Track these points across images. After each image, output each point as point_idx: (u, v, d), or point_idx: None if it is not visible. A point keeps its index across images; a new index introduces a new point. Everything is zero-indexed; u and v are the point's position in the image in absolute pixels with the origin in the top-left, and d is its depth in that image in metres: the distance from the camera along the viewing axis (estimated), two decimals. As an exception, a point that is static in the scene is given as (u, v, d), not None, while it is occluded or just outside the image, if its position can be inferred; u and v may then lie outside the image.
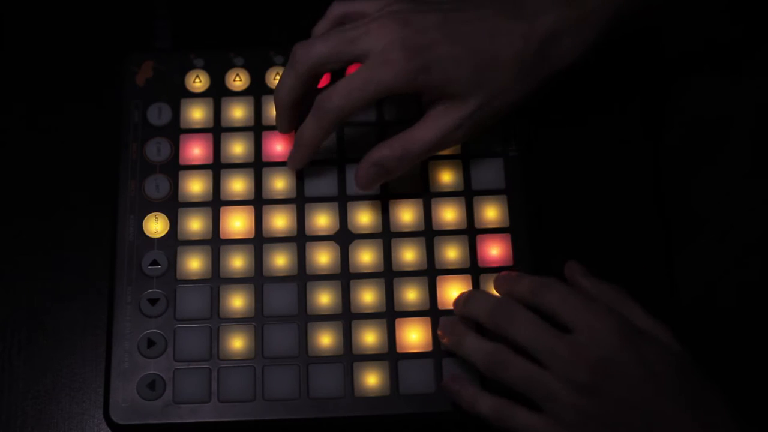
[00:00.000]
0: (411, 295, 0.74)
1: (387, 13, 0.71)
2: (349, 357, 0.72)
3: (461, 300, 0.72)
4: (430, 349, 0.72)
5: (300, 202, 0.76)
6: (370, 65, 0.70)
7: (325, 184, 0.76)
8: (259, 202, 0.76)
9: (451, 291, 0.73)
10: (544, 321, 0.67)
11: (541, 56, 0.71)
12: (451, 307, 0.73)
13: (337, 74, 0.75)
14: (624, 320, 0.67)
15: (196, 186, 0.76)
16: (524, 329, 0.67)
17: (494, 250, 0.75)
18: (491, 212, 0.75)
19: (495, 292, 0.73)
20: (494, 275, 0.73)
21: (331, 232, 0.75)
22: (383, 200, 0.76)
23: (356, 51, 0.71)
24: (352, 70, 0.73)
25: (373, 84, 0.70)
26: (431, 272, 0.74)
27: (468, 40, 0.71)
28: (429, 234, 0.75)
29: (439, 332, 0.72)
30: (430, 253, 0.75)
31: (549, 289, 0.68)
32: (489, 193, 0.76)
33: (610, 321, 0.66)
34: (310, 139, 0.73)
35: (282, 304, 0.73)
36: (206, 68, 0.79)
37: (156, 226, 0.75)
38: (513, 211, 0.75)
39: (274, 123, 0.76)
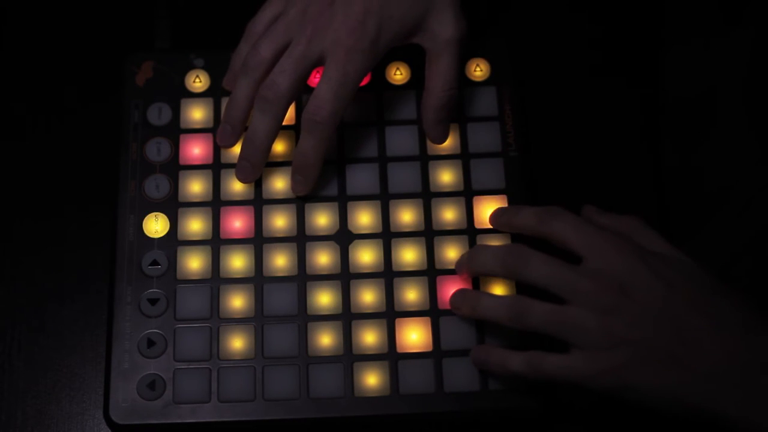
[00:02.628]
0: (411, 295, 0.74)
1: (305, 2, 0.73)
2: (349, 357, 0.72)
3: (464, 260, 0.72)
4: (430, 349, 0.72)
5: (300, 202, 0.76)
6: (336, 62, 0.71)
7: (325, 184, 0.76)
8: (259, 202, 0.76)
9: (451, 291, 0.73)
10: (556, 258, 0.67)
11: None
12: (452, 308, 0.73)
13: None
14: (634, 243, 0.67)
15: (196, 186, 0.76)
16: (541, 269, 0.67)
17: (494, 250, 0.75)
18: (491, 212, 0.75)
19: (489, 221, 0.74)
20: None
21: (331, 232, 0.75)
22: (383, 200, 0.76)
23: (314, 61, 0.72)
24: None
25: (351, 75, 0.71)
26: (431, 272, 0.74)
27: None
28: (429, 234, 0.75)
29: (452, 306, 0.72)
30: (430, 253, 0.74)
31: (557, 218, 0.69)
32: (489, 193, 0.76)
33: (621, 245, 0.67)
34: (316, 156, 0.73)
35: (282, 304, 0.73)
36: (206, 68, 0.79)
37: (156, 226, 0.75)
38: (513, 211, 0.75)
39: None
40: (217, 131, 0.76)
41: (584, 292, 0.65)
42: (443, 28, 0.74)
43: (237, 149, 0.76)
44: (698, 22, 0.80)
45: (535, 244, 0.70)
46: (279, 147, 0.77)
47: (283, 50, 0.73)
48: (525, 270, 0.67)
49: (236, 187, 0.76)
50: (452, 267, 0.74)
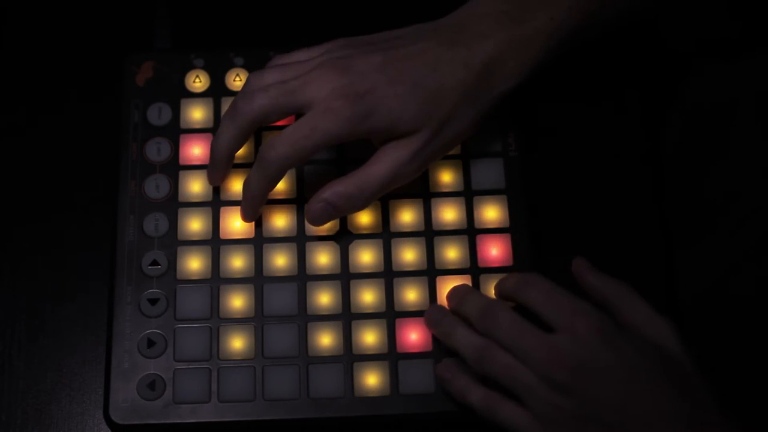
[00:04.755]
0: (411, 295, 0.74)
1: (327, 60, 0.71)
2: (349, 357, 0.72)
3: (457, 296, 0.72)
4: (430, 349, 0.72)
5: (300, 201, 0.76)
6: (313, 114, 0.69)
7: (326, 184, 0.76)
8: (259, 202, 0.76)
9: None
10: (526, 321, 0.67)
11: (485, 81, 0.71)
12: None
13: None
14: (607, 320, 0.67)
15: (196, 186, 0.76)
16: (506, 331, 0.67)
17: (494, 250, 0.75)
18: (491, 212, 0.75)
19: (493, 293, 0.73)
20: (494, 275, 0.73)
21: (331, 232, 0.75)
22: (383, 200, 0.76)
23: (298, 102, 0.70)
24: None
25: (318, 133, 0.69)
26: (431, 272, 0.74)
27: (410, 76, 0.70)
28: (429, 234, 0.75)
29: (426, 320, 0.72)
30: (430, 253, 0.75)
31: (531, 287, 0.69)
32: (489, 193, 0.76)
33: (592, 321, 0.66)
34: (257, 190, 0.72)
35: (282, 304, 0.73)
36: (206, 68, 0.79)
37: (156, 226, 0.75)
38: (513, 211, 0.75)
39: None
40: None
41: (540, 362, 0.65)
42: (403, 149, 0.71)
43: (239, 152, 0.76)
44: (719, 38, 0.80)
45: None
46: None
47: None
48: (494, 329, 0.68)
49: (236, 187, 0.76)
50: (453, 267, 0.74)
